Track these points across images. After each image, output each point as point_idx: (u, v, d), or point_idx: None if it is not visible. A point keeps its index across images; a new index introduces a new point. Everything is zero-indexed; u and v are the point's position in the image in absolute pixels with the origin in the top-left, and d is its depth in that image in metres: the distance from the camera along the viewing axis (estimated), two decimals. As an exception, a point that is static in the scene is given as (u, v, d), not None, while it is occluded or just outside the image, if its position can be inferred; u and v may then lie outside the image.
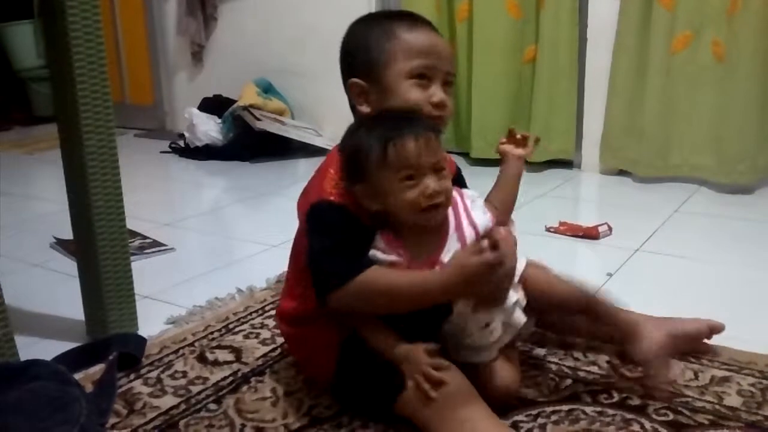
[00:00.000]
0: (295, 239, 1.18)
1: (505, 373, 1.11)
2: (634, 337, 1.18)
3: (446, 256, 1.05)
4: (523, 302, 1.15)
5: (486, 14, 2.70)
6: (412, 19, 1.15)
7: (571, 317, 1.28)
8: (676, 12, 2.38)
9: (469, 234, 1.08)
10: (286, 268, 1.23)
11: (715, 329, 1.29)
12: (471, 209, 1.10)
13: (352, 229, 1.06)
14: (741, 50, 2.27)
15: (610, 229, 1.96)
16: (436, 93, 1.11)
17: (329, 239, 1.05)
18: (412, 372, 1.02)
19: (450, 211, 1.08)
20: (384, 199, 1.04)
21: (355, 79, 1.14)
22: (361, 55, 1.13)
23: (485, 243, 0.95)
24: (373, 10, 2.91)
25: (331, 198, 1.07)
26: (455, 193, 1.10)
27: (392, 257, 1.05)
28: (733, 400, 1.13)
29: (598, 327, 1.27)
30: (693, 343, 1.27)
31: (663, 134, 2.46)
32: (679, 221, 2.11)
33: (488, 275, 0.95)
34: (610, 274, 1.66)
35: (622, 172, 2.63)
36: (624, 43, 2.48)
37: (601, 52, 2.56)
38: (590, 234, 1.93)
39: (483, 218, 1.10)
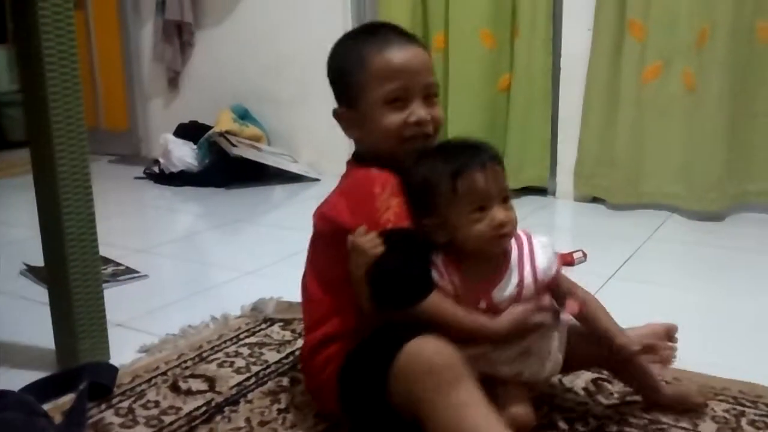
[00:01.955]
0: (316, 249, 1.19)
1: (521, 408, 1.07)
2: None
3: (498, 293, 1.06)
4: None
5: (461, 44, 2.74)
6: (383, 36, 1.14)
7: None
8: (647, 43, 2.43)
9: (527, 275, 1.07)
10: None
11: (671, 331, 1.32)
12: (536, 253, 1.09)
13: (417, 251, 1.07)
14: (710, 80, 2.32)
15: (584, 255, 1.98)
16: (414, 111, 1.10)
17: (394, 261, 1.04)
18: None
19: (514, 248, 1.09)
20: (453, 232, 1.06)
21: (339, 109, 1.17)
22: (341, 81, 1.16)
23: (548, 301, 1.07)
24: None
25: (397, 225, 1.05)
26: (522, 234, 1.10)
27: (444, 284, 1.06)
28: (707, 426, 1.13)
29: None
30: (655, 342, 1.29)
31: (635, 162, 2.50)
32: (652, 248, 2.13)
33: (540, 330, 1.06)
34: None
35: (595, 200, 2.66)
36: (596, 72, 2.53)
37: (575, 81, 2.60)
38: (565, 261, 1.94)
39: (545, 265, 1.09)
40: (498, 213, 1.04)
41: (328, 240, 1.13)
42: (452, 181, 1.04)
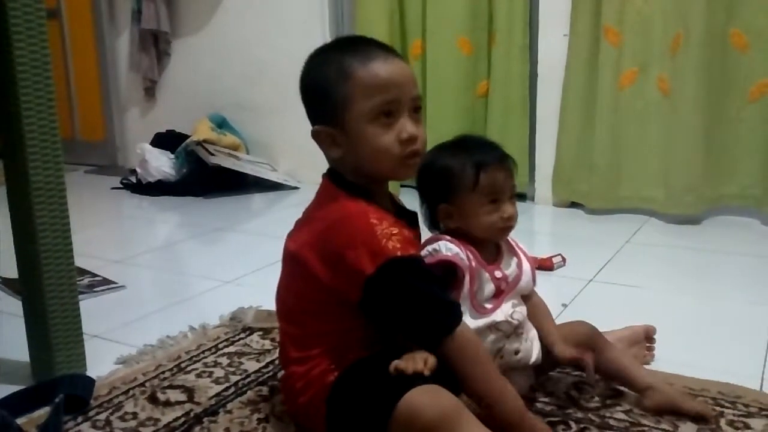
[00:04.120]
0: (296, 274, 1.12)
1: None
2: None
3: (505, 267, 1.18)
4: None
5: (439, 51, 2.76)
6: (365, 49, 1.08)
7: None
8: (623, 49, 2.45)
9: (523, 258, 1.21)
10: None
11: (650, 332, 1.40)
12: (521, 246, 1.23)
13: (431, 278, 1.06)
14: (685, 85, 2.35)
15: (564, 260, 1.99)
16: (404, 128, 1.05)
17: (412, 298, 1.03)
18: None
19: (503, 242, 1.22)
20: (465, 219, 1.15)
21: (318, 127, 1.08)
22: (320, 98, 1.08)
23: None
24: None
25: (405, 252, 1.02)
26: None
27: (462, 255, 1.12)
28: (687, 428, 1.14)
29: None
30: (635, 347, 1.37)
31: (613, 167, 2.52)
32: (631, 252, 2.15)
33: None
34: (564, 305, 1.68)
35: (574, 204, 2.67)
36: (573, 79, 2.55)
37: (552, 87, 2.62)
38: (545, 265, 1.95)
39: (530, 255, 1.24)
40: (508, 207, 1.15)
41: (318, 268, 1.06)
42: (475, 173, 1.13)
